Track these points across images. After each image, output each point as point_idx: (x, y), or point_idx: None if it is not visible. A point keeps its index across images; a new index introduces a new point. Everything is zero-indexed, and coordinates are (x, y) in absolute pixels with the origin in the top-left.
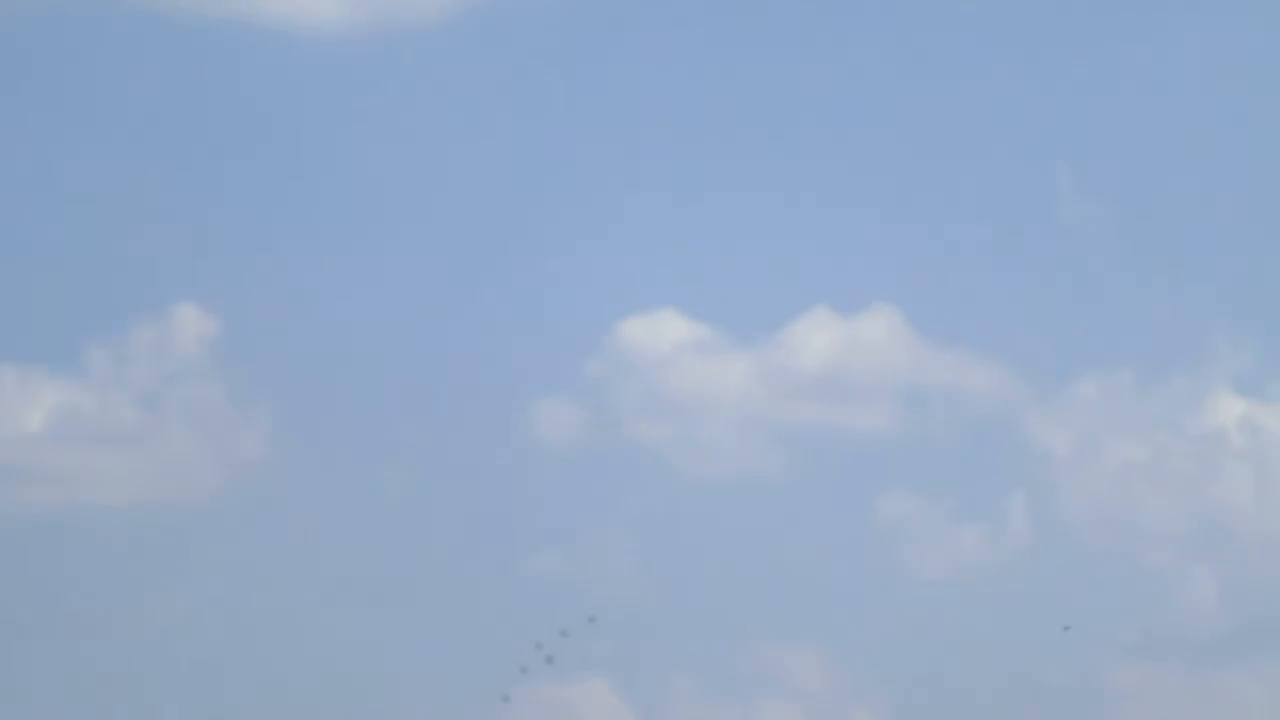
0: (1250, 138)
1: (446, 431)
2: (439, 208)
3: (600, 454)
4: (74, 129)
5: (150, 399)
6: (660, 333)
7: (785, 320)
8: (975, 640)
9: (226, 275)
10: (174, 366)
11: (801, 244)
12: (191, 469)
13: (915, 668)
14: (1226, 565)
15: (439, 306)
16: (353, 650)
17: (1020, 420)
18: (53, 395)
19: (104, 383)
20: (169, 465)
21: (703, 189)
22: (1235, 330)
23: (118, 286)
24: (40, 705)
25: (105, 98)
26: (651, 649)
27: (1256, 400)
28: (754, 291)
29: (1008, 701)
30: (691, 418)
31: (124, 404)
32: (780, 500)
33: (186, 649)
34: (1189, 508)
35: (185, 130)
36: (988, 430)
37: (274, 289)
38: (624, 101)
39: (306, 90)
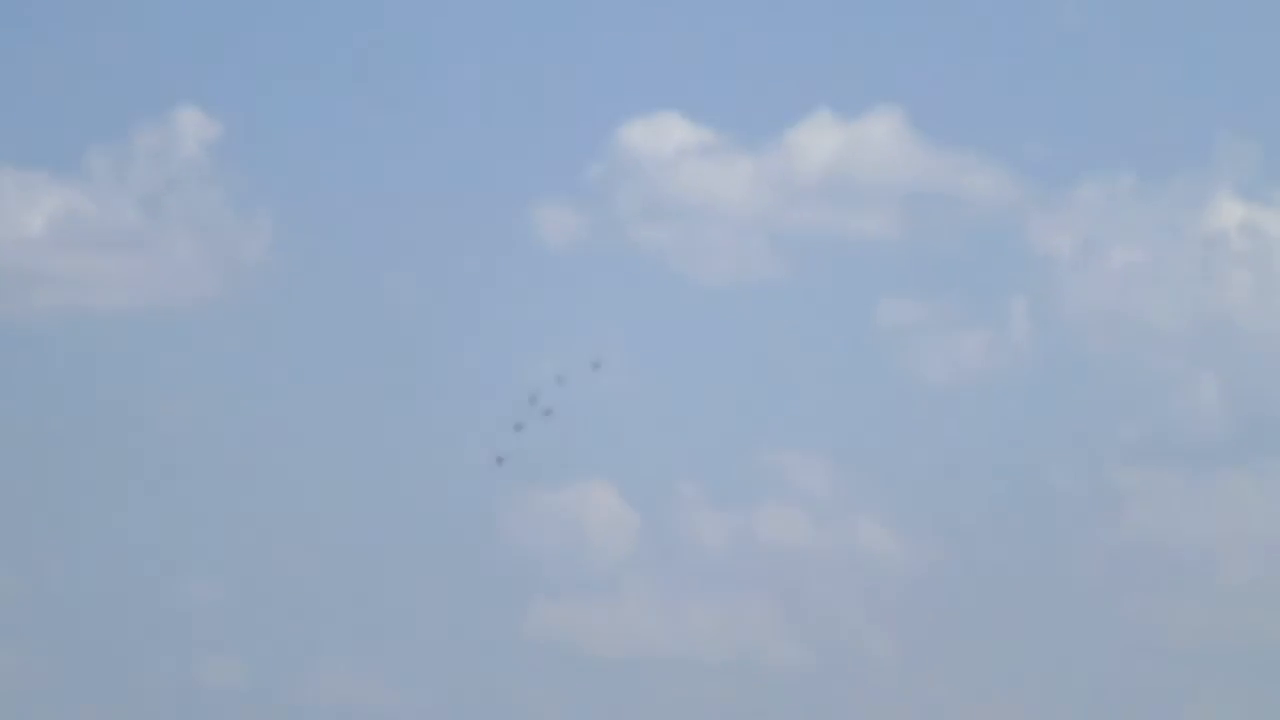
0: None
1: (448, 236)
2: (439, 18)
3: (602, 258)
4: None
5: (152, 203)
6: (662, 136)
7: (787, 123)
8: (977, 444)
9: (230, 78)
10: (176, 170)
11: (803, 46)
12: (193, 273)
13: (918, 472)
14: (1227, 368)
15: (440, 112)
16: (352, 441)
17: (1022, 224)
18: (54, 199)
19: (106, 187)
20: (171, 269)
21: None
22: (1237, 134)
23: (120, 89)
24: (42, 502)
25: None
26: (655, 454)
27: (1258, 204)
28: (756, 94)
29: (1010, 503)
30: (693, 222)
31: (126, 208)
32: (782, 305)
33: (187, 449)
34: (1190, 311)
35: None
36: (990, 234)
37: (277, 92)
38: None
39: None
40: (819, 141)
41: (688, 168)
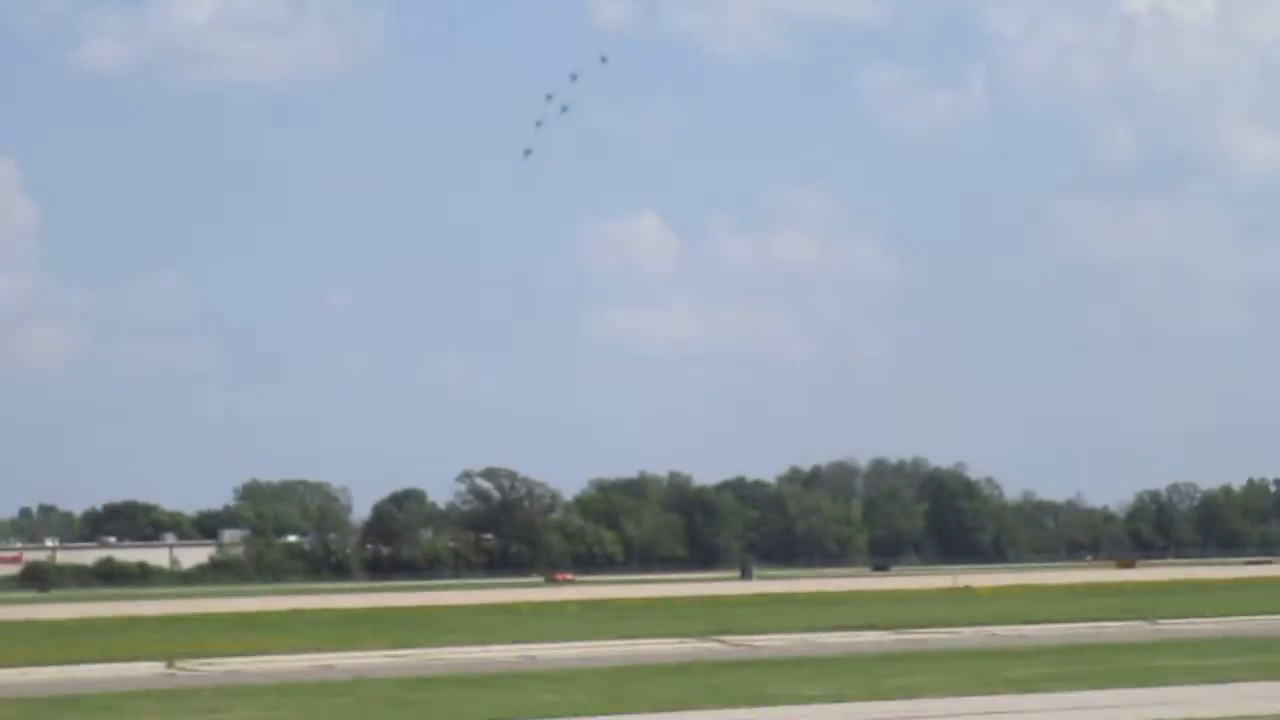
0: None
1: (525, 29)
2: None
3: (647, 39)
4: None
5: None
6: None
7: None
8: (946, 183)
9: None
10: None
11: None
12: (329, 53)
13: (900, 206)
14: (1140, 119)
15: None
16: (444, 186)
17: (979, 6)
18: None
19: None
20: (311, 50)
21: None
22: None
23: None
24: (221, 229)
25: None
26: (691, 190)
27: None
28: None
29: (971, 229)
30: (718, 8)
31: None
32: (791, 75)
33: (331, 202)
34: (1110, 76)
35: None
36: (953, 15)
37: None
38: None
39: None
40: None
41: None
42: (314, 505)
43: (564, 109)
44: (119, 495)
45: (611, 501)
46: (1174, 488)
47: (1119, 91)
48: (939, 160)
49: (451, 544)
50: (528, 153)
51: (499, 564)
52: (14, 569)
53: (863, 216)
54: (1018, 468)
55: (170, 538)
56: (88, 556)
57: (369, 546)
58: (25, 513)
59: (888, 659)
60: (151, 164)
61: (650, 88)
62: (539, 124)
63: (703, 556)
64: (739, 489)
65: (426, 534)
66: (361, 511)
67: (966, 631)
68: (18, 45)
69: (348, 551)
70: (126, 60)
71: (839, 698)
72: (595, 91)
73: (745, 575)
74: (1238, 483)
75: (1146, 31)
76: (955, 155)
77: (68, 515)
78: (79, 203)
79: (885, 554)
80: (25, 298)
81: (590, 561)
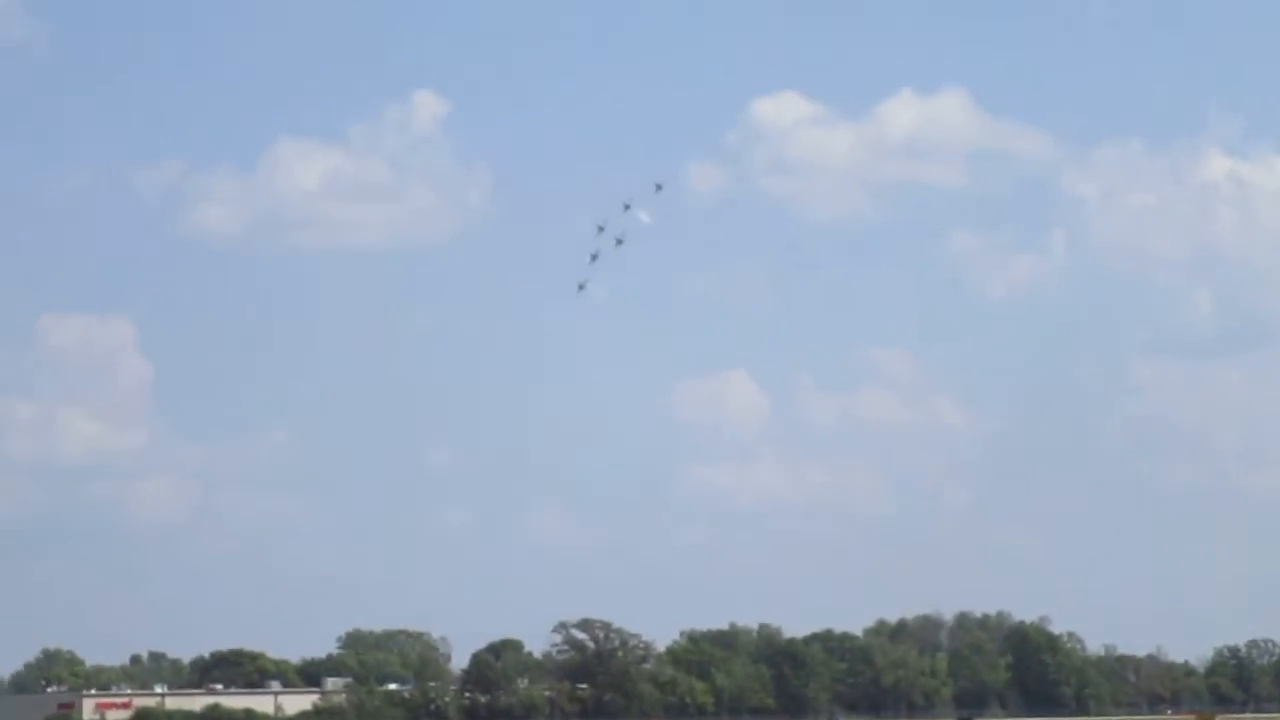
0: None
1: (622, 190)
2: (611, 17)
3: (738, 203)
4: None
5: (398, 163)
6: (784, 110)
7: (878, 98)
8: (1026, 343)
9: (457, 66)
10: (416, 138)
11: (890, 39)
12: (430, 217)
13: (982, 365)
14: (1217, 285)
15: (601, 92)
16: (551, 346)
17: (1059, 175)
18: (324, 161)
19: (363, 151)
20: (413, 215)
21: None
22: (1223, 105)
23: (374, 75)
24: (308, 406)
25: None
26: (781, 349)
27: (1240, 159)
28: (854, 76)
29: (1050, 388)
30: (807, 175)
31: (379, 167)
32: (875, 237)
33: (433, 360)
34: (1188, 241)
35: None
36: (1034, 183)
37: (495, 77)
38: None
39: None
40: (902, 112)
41: (803, 134)
42: (414, 654)
43: (619, 242)
44: (226, 643)
45: (703, 652)
46: (1253, 644)
47: (1197, 256)
48: (1020, 321)
49: (547, 693)
50: (582, 287)
51: (593, 713)
52: (124, 714)
53: (946, 375)
54: (1100, 622)
55: (275, 685)
56: (195, 703)
57: (467, 695)
58: (135, 659)
59: None
60: (260, 323)
61: (742, 250)
62: (594, 258)
63: (791, 707)
64: (827, 641)
65: (523, 683)
66: (460, 660)
67: None
68: (136, 209)
69: (446, 700)
70: (237, 224)
71: None
72: (689, 254)
73: None
74: None
75: (1224, 198)
76: (1036, 316)
77: (176, 662)
78: (191, 361)
79: (970, 706)
80: (139, 452)
81: (682, 711)
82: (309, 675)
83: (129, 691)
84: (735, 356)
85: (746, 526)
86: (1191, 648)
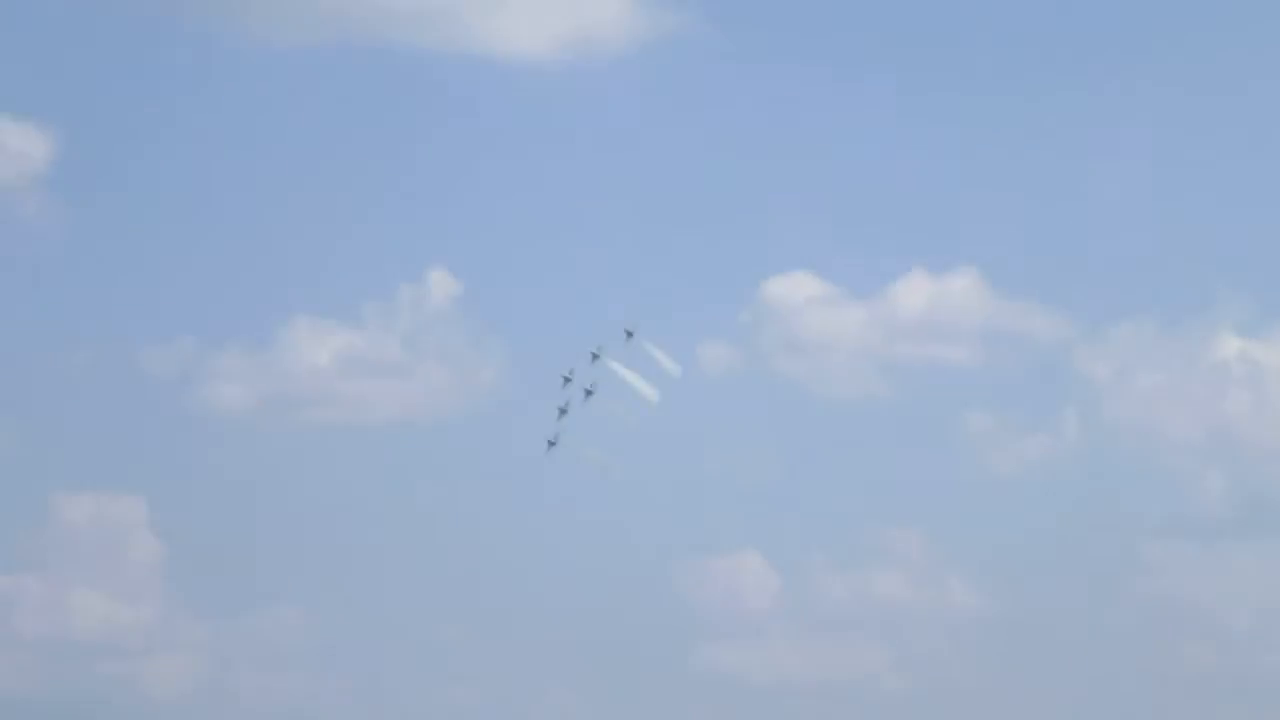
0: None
1: (634, 362)
2: (622, 201)
3: (751, 382)
4: (344, 148)
5: (412, 341)
6: (796, 289)
7: (891, 279)
8: (1037, 522)
9: (470, 246)
10: (429, 316)
11: (901, 220)
12: (443, 394)
13: (993, 543)
14: (1230, 465)
15: (627, 276)
16: (564, 521)
17: (1071, 355)
18: (338, 340)
19: (377, 329)
20: (426, 392)
21: (828, 182)
22: (1232, 286)
23: (388, 256)
24: (336, 562)
25: (364, 117)
26: (793, 529)
27: (1251, 339)
28: (866, 257)
29: (1061, 567)
30: (820, 354)
31: (392, 345)
32: (888, 417)
33: (442, 537)
34: (1200, 421)
35: (425, 139)
36: (1046, 362)
37: (507, 257)
38: (764, 122)
39: (513, 108)
40: (915, 292)
41: (815, 313)
42: None
43: (588, 393)
44: None
45: None
46: None
47: (1209, 436)
48: (1032, 499)
49: None
50: (551, 444)
51: None
52: None
53: (957, 554)
54: None
55: None
56: None
57: None
58: None
59: None
60: (272, 500)
61: (755, 428)
62: (563, 412)
63: None
64: None
65: None
66: None
67: None
68: (147, 386)
69: None
70: (249, 401)
71: None
72: (701, 431)
73: None
74: None
75: (1236, 378)
76: (1048, 495)
77: None
78: (202, 538)
79: None
80: (151, 629)
81: None
82: None
83: None
84: (746, 534)
85: (758, 705)
86: None
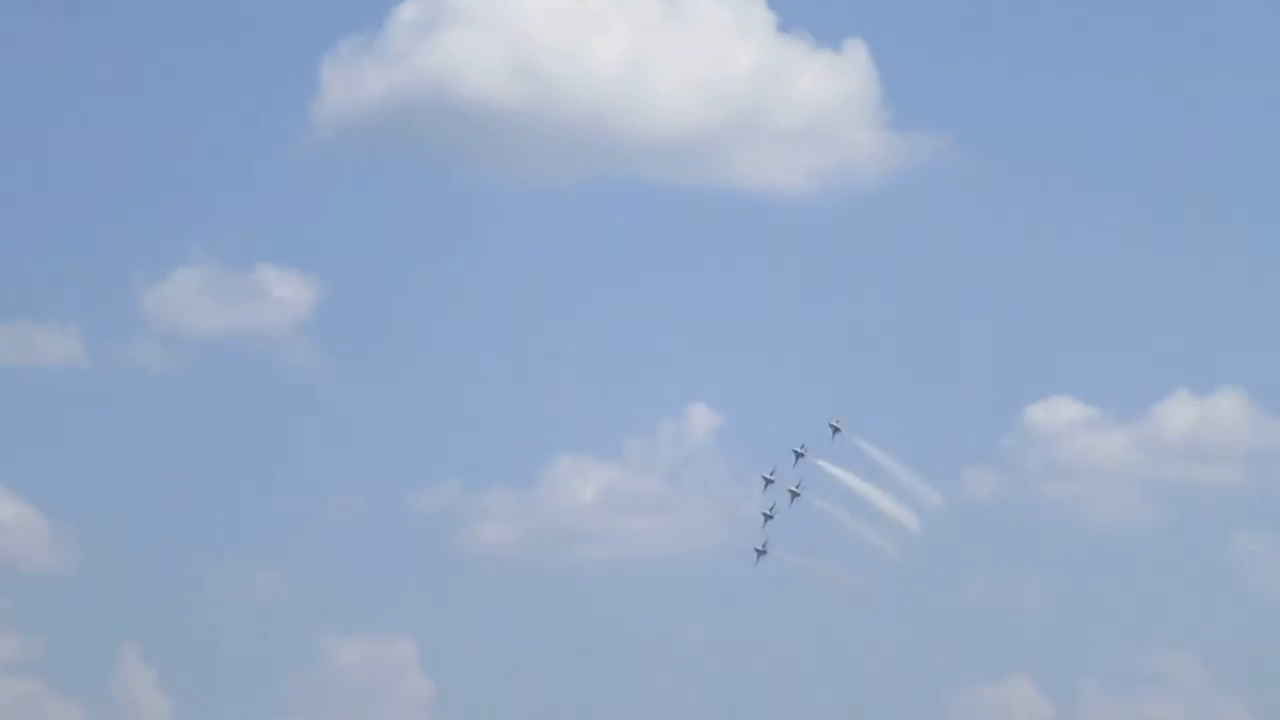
0: None
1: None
2: (880, 330)
3: (1015, 508)
4: (602, 286)
5: (674, 476)
6: (1058, 414)
7: (1154, 400)
8: None
9: (728, 381)
10: (691, 451)
11: (1163, 342)
12: (706, 528)
13: (1267, 667)
14: None
15: (889, 402)
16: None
17: None
18: (601, 476)
19: (638, 465)
20: (689, 526)
21: (1087, 303)
22: None
23: (649, 396)
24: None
25: (622, 253)
26: (1063, 655)
27: None
28: (1129, 380)
29: None
30: (1084, 479)
31: (654, 481)
32: (1154, 540)
33: (707, 670)
34: None
35: (682, 274)
36: None
37: (766, 390)
38: (1019, 244)
39: (767, 241)
40: (1179, 413)
41: (1078, 438)
42: None
43: (794, 495)
44: None
45: None
46: None
47: None
48: None
49: None
50: (760, 553)
51: None
52: None
53: (1231, 678)
54: None
55: None
56: None
57: None
58: None
59: None
60: (538, 637)
61: (1020, 553)
62: (768, 518)
63: None
64: None
65: None
66: None
67: None
68: (415, 528)
69: None
70: (513, 539)
71: None
72: (967, 559)
73: None
74: None
75: None
76: None
77: None
78: (471, 677)
79: None
80: None
81: None
82: None
83: None
84: (1016, 660)
85: None
86: None
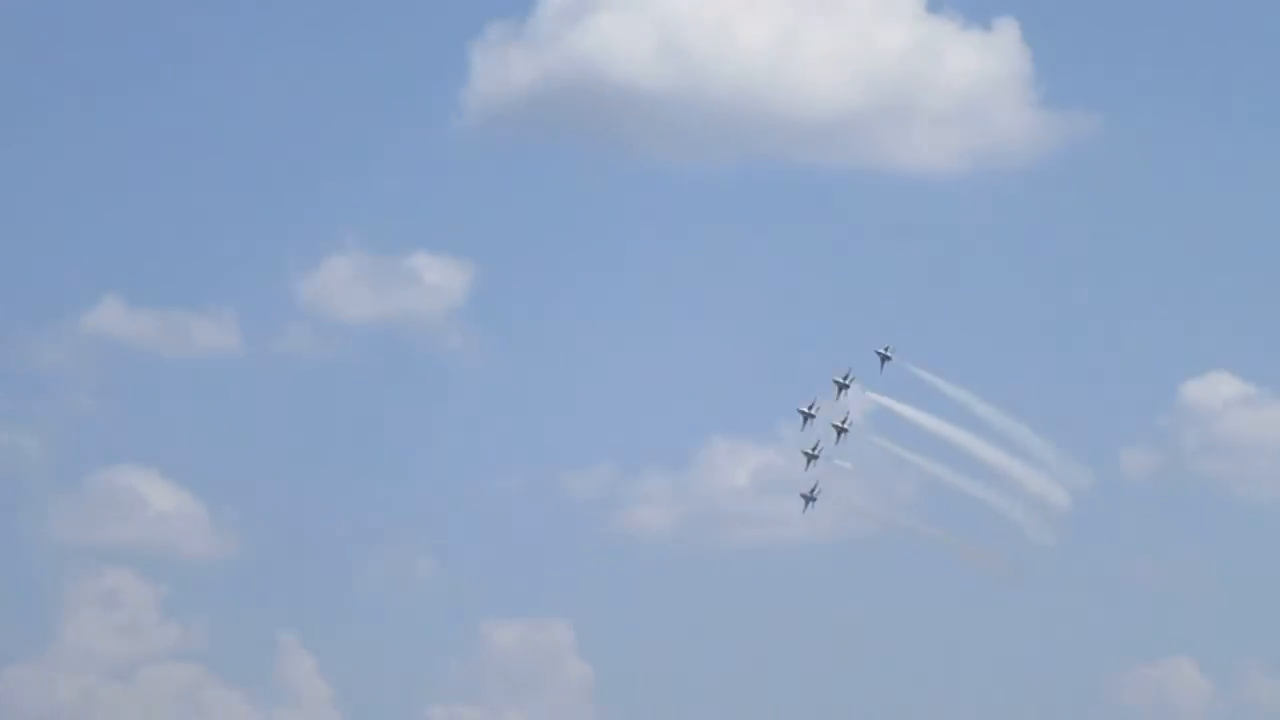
0: None
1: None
2: (1038, 310)
3: (1172, 487)
4: (749, 268)
5: (826, 459)
6: (1215, 391)
7: None
8: None
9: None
10: (845, 434)
11: None
12: (854, 514)
13: None
14: None
15: (1041, 382)
16: None
17: None
18: (754, 459)
19: (791, 448)
20: (839, 512)
21: (1243, 276)
22: None
23: (803, 377)
24: (744, 701)
25: (768, 236)
26: (1225, 636)
27: None
28: None
29: None
30: (1243, 457)
31: (803, 464)
32: None
33: (859, 649)
34: None
35: (828, 256)
36: None
37: (915, 375)
38: (1174, 221)
39: (918, 222)
40: None
41: (1236, 415)
42: None
43: (840, 431)
44: None
45: None
46: None
47: None
48: None
49: None
50: (809, 500)
51: None
52: None
53: None
54: None
55: None
56: None
57: None
58: None
59: None
60: (693, 620)
61: (1178, 533)
62: (812, 458)
63: None
64: None
65: None
66: None
67: None
68: (570, 512)
69: None
70: (668, 523)
71: None
72: (1127, 539)
73: None
74: None
75: None
76: None
77: None
78: (628, 661)
79: None
80: None
81: None
82: None
83: None
84: (1177, 642)
85: None
86: None
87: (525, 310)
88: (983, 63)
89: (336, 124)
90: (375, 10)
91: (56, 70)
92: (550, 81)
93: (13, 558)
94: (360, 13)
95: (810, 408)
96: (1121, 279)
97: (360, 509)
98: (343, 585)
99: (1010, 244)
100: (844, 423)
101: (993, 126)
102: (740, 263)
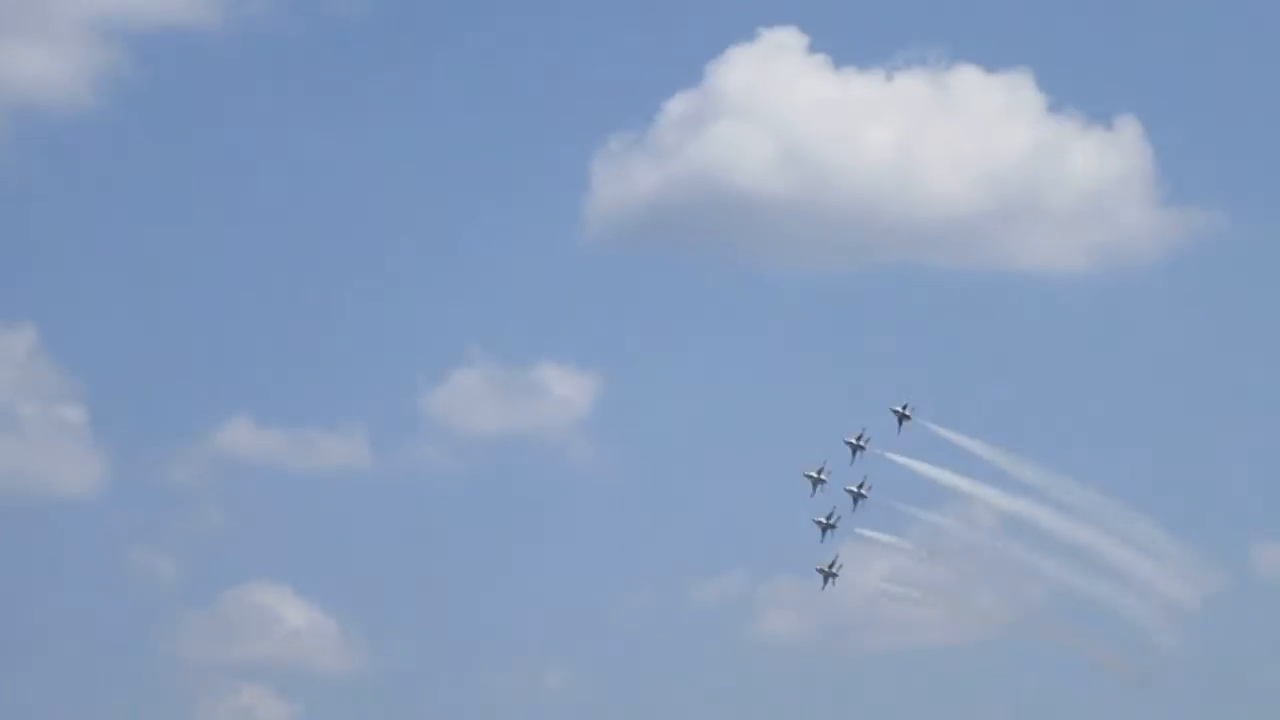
0: None
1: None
2: (1164, 405)
3: None
4: (876, 382)
5: (956, 565)
6: None
7: None
8: None
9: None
10: (976, 538)
11: None
12: (987, 615)
13: None
14: None
15: (1173, 478)
16: None
17: None
18: (886, 563)
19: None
20: (972, 612)
21: None
22: None
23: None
24: None
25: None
26: None
27: None
28: None
29: None
30: None
31: (938, 567)
32: None
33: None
34: None
35: (958, 357)
36: None
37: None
38: None
39: (1051, 321)
40: None
41: None
42: None
43: (857, 497)
44: None
45: None
46: None
47: None
48: None
49: None
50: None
51: None
52: None
53: None
54: None
55: None
56: None
57: None
58: None
59: None
60: None
61: None
62: (829, 527)
63: None
64: None
65: None
66: None
67: None
68: (702, 619)
69: None
70: (801, 629)
71: None
72: (1258, 643)
73: None
74: None
75: None
76: None
77: None
78: None
79: None
80: None
81: None
82: None
83: None
84: None
85: None
86: None
87: (651, 419)
88: (1105, 161)
89: (460, 236)
90: (498, 123)
91: (179, 194)
92: (671, 190)
93: (149, 676)
94: (483, 125)
95: (820, 472)
96: (1249, 376)
97: (490, 622)
98: (473, 698)
99: (1138, 341)
100: (861, 488)
101: (1116, 225)
102: (864, 366)
